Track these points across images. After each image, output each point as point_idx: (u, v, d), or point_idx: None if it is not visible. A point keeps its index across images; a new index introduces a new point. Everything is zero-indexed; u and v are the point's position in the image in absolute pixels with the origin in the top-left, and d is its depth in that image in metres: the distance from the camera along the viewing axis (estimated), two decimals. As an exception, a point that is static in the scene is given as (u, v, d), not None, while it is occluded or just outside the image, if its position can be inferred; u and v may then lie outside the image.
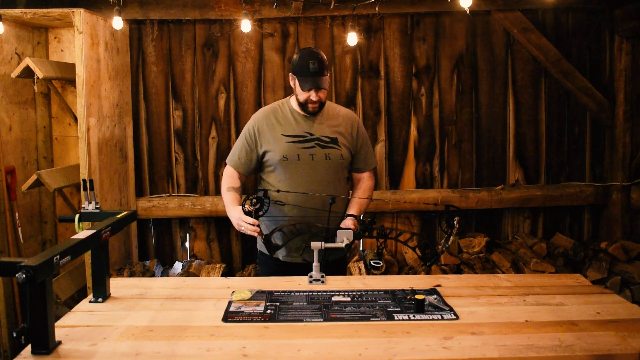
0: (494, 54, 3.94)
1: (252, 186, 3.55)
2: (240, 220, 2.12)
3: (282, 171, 2.32)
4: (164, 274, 3.84)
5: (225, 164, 2.47)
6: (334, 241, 2.09)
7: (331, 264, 2.35)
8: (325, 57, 2.28)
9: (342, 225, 2.19)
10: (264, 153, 2.34)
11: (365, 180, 2.51)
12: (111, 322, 1.73)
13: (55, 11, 3.19)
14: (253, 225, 2.09)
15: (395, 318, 1.74)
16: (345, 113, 2.45)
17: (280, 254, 2.38)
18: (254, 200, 2.10)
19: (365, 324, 1.70)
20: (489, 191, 3.94)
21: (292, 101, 2.38)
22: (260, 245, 2.48)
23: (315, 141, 2.33)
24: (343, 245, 2.08)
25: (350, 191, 2.54)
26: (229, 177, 2.39)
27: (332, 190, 2.30)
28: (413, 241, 4.04)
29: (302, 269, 2.27)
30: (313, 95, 2.24)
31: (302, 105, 2.31)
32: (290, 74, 2.33)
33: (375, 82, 3.95)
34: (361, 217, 2.30)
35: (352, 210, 2.33)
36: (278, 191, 2.24)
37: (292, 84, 2.34)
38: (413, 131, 3.98)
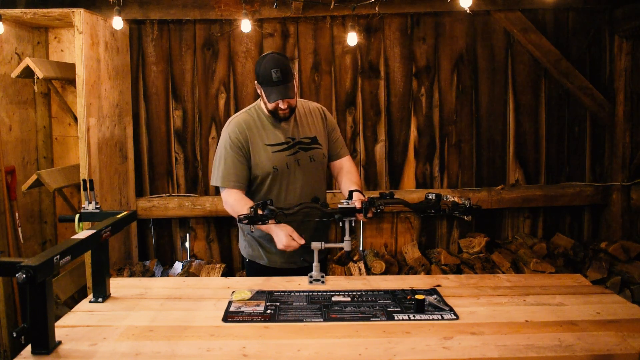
0: (494, 54, 3.94)
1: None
2: (291, 236, 2.05)
3: (272, 182, 2.25)
4: (164, 274, 3.84)
5: (220, 189, 2.29)
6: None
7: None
8: (288, 62, 2.17)
9: (352, 203, 2.07)
10: (252, 165, 2.24)
11: (346, 163, 2.41)
12: (111, 322, 1.73)
13: (55, 11, 3.19)
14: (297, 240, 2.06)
15: (395, 318, 1.74)
16: (314, 107, 2.41)
17: (279, 261, 2.32)
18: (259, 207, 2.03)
19: (365, 324, 1.70)
20: (489, 191, 3.94)
21: (264, 107, 2.28)
22: (252, 256, 2.39)
23: (297, 145, 2.28)
24: (343, 245, 2.08)
25: (338, 181, 2.42)
26: (241, 199, 2.20)
27: (321, 190, 2.31)
28: (413, 241, 4.05)
29: (290, 274, 2.24)
30: (281, 104, 2.16)
31: (272, 112, 2.23)
32: (255, 82, 2.23)
33: (375, 82, 3.95)
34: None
35: (353, 186, 2.24)
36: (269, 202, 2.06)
37: (258, 92, 2.24)
38: (413, 131, 3.98)
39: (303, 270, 2.25)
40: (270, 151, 2.24)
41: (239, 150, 2.23)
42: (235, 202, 2.20)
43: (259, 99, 2.32)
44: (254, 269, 2.39)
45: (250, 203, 2.10)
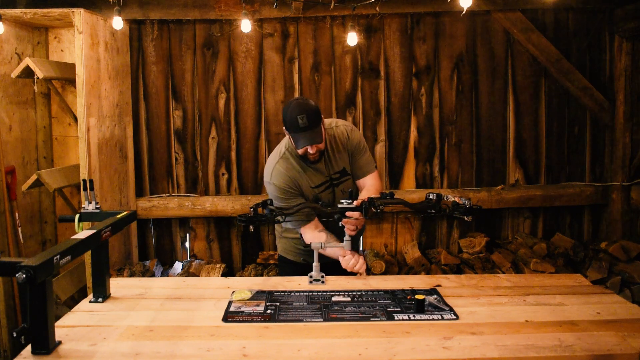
0: (494, 54, 3.94)
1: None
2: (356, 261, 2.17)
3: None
4: (164, 274, 3.84)
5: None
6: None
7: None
8: (314, 106, 2.15)
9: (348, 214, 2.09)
10: None
11: (368, 181, 2.40)
12: (111, 322, 1.73)
13: (55, 11, 3.19)
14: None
15: (395, 318, 1.74)
16: (339, 134, 2.35)
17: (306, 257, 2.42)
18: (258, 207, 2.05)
19: (365, 324, 1.70)
20: (489, 191, 3.94)
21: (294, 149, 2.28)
22: (282, 251, 2.54)
23: (329, 182, 2.34)
24: (343, 245, 2.08)
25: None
26: (321, 232, 2.26)
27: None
28: (413, 241, 4.05)
29: (325, 268, 2.23)
30: (310, 149, 2.17)
31: (302, 157, 2.25)
32: (284, 127, 2.23)
33: (375, 82, 3.95)
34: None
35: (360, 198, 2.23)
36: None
37: (287, 137, 2.26)
38: (413, 131, 3.98)
39: (326, 266, 2.24)
40: (313, 193, 2.31)
41: (292, 192, 2.27)
42: (316, 236, 2.25)
43: (286, 138, 2.32)
44: (284, 263, 2.56)
45: (322, 230, 2.26)
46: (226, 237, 4.07)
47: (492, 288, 2.03)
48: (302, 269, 2.33)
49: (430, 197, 2.01)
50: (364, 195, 2.31)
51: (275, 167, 2.29)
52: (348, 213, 2.04)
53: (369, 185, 2.38)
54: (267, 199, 2.03)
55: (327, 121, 2.38)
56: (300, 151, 2.20)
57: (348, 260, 2.17)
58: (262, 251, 3.99)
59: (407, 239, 4.05)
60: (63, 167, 3.49)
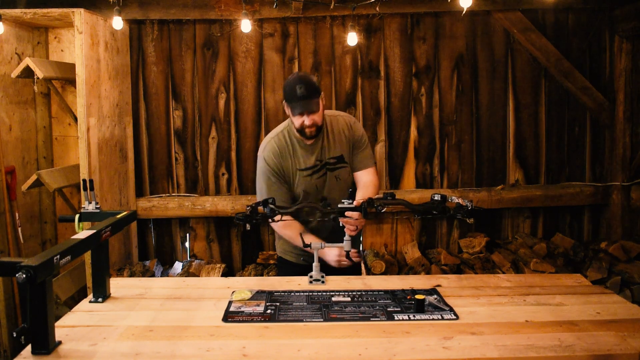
0: (494, 54, 3.94)
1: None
2: (341, 256, 2.20)
3: (301, 202, 2.30)
4: (164, 274, 3.84)
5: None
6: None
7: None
8: (314, 80, 2.24)
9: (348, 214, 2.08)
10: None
11: (364, 176, 2.40)
12: (111, 322, 1.73)
13: (55, 11, 3.19)
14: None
15: (395, 318, 1.74)
16: (342, 121, 2.39)
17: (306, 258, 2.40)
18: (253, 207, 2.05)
19: (365, 324, 1.70)
20: (489, 191, 3.94)
21: (294, 128, 2.31)
22: (281, 252, 2.53)
23: (324, 167, 2.34)
24: (343, 245, 2.08)
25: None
26: (291, 225, 2.27)
27: None
28: (413, 241, 4.05)
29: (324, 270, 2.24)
30: (306, 120, 2.20)
31: (300, 131, 2.27)
32: (283, 101, 2.29)
33: (375, 82, 3.95)
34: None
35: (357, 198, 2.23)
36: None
37: (287, 112, 2.30)
38: (413, 131, 3.98)
39: (326, 266, 2.27)
40: (301, 175, 2.32)
41: (278, 174, 2.31)
42: (285, 227, 2.27)
43: (288, 119, 2.37)
44: (283, 264, 2.55)
45: (296, 225, 2.26)
46: (226, 237, 4.07)
47: (492, 288, 2.03)
48: (301, 270, 2.32)
49: (436, 197, 2.00)
50: (361, 193, 2.31)
51: (270, 142, 2.35)
52: (347, 213, 2.04)
53: (367, 181, 2.38)
54: (269, 198, 2.03)
55: (331, 111, 2.46)
56: (297, 123, 2.23)
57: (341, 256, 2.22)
58: (262, 251, 3.99)
59: (407, 239, 4.05)
60: (63, 167, 3.50)
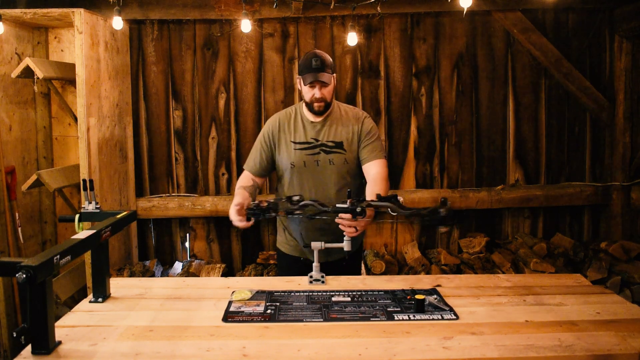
0: (494, 54, 3.94)
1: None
2: (232, 216, 2.16)
3: (290, 177, 2.37)
4: (164, 274, 3.84)
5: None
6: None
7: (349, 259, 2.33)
8: (329, 58, 2.33)
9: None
10: (277, 158, 2.41)
11: (373, 168, 2.34)
12: (111, 322, 1.73)
13: (55, 11, 3.19)
14: (241, 222, 2.14)
15: (395, 318, 1.74)
16: (353, 113, 2.45)
17: (296, 251, 2.45)
18: (265, 204, 2.09)
19: (365, 324, 1.70)
20: (489, 191, 3.94)
21: (304, 107, 2.41)
22: (280, 243, 2.54)
23: (320, 147, 2.36)
24: (343, 245, 2.08)
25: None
26: (242, 179, 2.43)
27: (337, 195, 2.30)
28: (413, 241, 4.05)
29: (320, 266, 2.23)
30: (316, 92, 2.28)
31: (309, 105, 2.33)
32: (297, 76, 2.39)
33: (375, 82, 3.95)
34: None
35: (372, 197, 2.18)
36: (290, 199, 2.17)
37: (299, 87, 2.39)
38: (413, 131, 3.98)
39: (326, 265, 2.26)
40: (293, 148, 2.37)
41: (265, 143, 2.42)
42: (239, 179, 2.43)
43: (302, 101, 2.43)
44: (284, 262, 2.55)
45: (247, 182, 2.37)
46: (226, 237, 4.07)
47: (492, 288, 2.03)
48: (296, 262, 2.42)
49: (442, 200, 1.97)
50: (370, 189, 2.27)
51: (278, 113, 2.49)
52: (341, 215, 2.02)
53: (375, 175, 2.32)
54: (294, 195, 2.09)
55: (348, 105, 2.53)
56: (307, 95, 2.31)
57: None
58: (262, 251, 3.99)
59: (407, 239, 4.05)
60: (63, 167, 3.49)
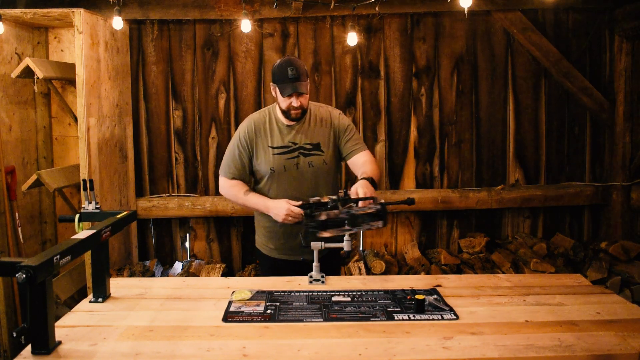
0: (494, 54, 3.94)
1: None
2: (289, 208, 2.16)
3: (270, 182, 2.36)
4: (164, 274, 3.84)
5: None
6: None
7: (326, 259, 2.31)
8: (303, 65, 2.31)
9: (353, 190, 2.07)
10: (255, 163, 2.38)
11: (361, 158, 2.37)
12: (111, 322, 1.73)
13: (55, 11, 3.19)
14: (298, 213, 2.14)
15: (395, 318, 1.74)
16: (325, 112, 2.44)
17: (277, 253, 2.42)
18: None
19: (365, 324, 1.70)
20: (489, 191, 3.94)
21: (277, 111, 2.39)
22: (259, 244, 2.50)
23: (298, 150, 2.36)
24: (343, 245, 2.08)
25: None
26: (237, 185, 2.38)
27: (315, 195, 2.26)
28: (413, 241, 4.05)
29: (298, 266, 2.28)
30: (294, 101, 2.26)
31: (285, 112, 2.32)
32: (271, 84, 2.35)
33: (375, 82, 3.95)
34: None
35: (365, 174, 2.21)
36: None
37: (273, 93, 2.35)
38: (413, 131, 3.98)
39: (302, 264, 2.28)
40: (271, 153, 2.35)
41: (243, 148, 2.38)
42: (232, 186, 2.38)
43: (274, 104, 2.42)
44: (262, 258, 2.52)
45: (244, 187, 2.35)
46: (226, 237, 4.07)
47: (492, 288, 2.03)
48: (277, 264, 2.41)
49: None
50: (361, 171, 2.28)
51: (251, 117, 2.45)
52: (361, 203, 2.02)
53: (364, 160, 2.35)
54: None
55: (316, 102, 2.50)
56: (284, 104, 2.28)
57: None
58: (262, 251, 3.99)
59: (407, 239, 4.05)
60: (63, 167, 3.49)
